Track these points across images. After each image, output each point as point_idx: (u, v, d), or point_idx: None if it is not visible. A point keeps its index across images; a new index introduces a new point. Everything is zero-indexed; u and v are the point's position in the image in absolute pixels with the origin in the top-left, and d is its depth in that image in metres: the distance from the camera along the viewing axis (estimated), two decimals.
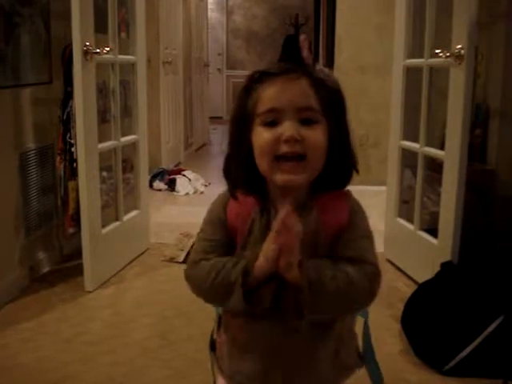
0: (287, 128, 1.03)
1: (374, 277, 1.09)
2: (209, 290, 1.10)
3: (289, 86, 1.05)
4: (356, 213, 1.12)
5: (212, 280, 1.08)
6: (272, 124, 1.04)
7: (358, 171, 1.14)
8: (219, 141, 8.20)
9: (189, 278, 1.15)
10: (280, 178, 1.05)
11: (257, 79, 1.08)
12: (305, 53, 8.35)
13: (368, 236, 1.12)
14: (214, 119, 9.47)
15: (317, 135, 1.04)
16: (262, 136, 1.05)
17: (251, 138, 1.08)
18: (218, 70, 11.34)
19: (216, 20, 10.98)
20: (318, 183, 1.10)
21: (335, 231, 1.09)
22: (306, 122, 1.04)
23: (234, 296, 1.05)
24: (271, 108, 1.05)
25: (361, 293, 1.07)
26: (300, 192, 1.09)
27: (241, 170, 1.11)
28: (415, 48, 3.08)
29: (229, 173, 1.14)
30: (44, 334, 2.47)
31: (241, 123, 1.09)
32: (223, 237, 1.14)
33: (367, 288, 1.07)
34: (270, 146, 1.04)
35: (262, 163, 1.07)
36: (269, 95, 1.05)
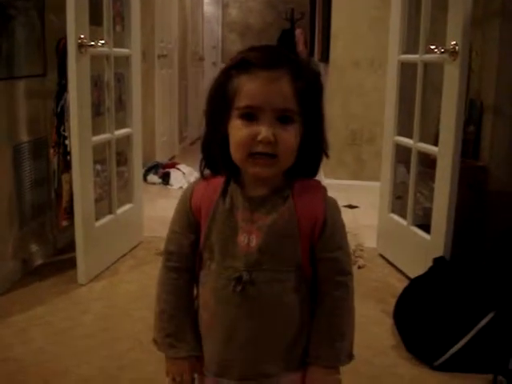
0: (264, 129, 1.06)
1: (352, 284, 1.19)
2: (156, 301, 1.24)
3: (269, 86, 1.06)
4: (333, 209, 1.17)
5: (156, 306, 1.23)
6: (249, 118, 1.07)
7: (328, 156, 1.18)
8: None
9: (158, 276, 1.25)
10: (251, 170, 1.10)
11: (239, 65, 1.09)
12: (300, 47, 8.36)
13: (345, 236, 1.19)
14: None
15: (290, 136, 1.08)
16: (238, 132, 1.08)
17: (227, 124, 1.11)
18: (213, 63, 11.32)
19: (211, 13, 10.94)
20: (291, 169, 1.14)
21: (311, 223, 1.13)
22: (283, 120, 1.07)
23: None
24: (250, 105, 1.07)
25: (352, 305, 1.19)
26: (273, 179, 1.13)
27: (215, 153, 1.14)
28: (410, 43, 3.09)
29: (205, 152, 1.17)
30: (37, 326, 2.48)
31: (219, 106, 1.12)
32: (185, 225, 1.19)
33: (352, 297, 1.19)
34: (246, 143, 1.07)
35: (236, 156, 1.10)
36: (250, 91, 1.07)
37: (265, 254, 1.12)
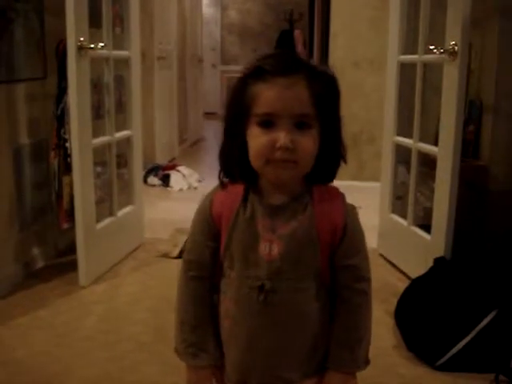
0: (282, 136, 1.06)
1: (371, 290, 1.21)
2: (177, 312, 1.25)
3: (286, 92, 1.06)
4: (353, 216, 1.17)
5: (177, 316, 1.24)
6: (267, 125, 1.07)
7: (346, 162, 1.17)
8: (214, 136, 8.20)
9: (177, 286, 1.25)
10: (272, 174, 1.10)
11: (255, 74, 1.10)
12: (299, 48, 8.36)
13: (364, 242, 1.20)
14: (209, 115, 9.45)
15: (308, 142, 1.08)
16: (257, 139, 1.08)
17: (245, 132, 1.11)
18: (213, 65, 11.32)
19: (210, 15, 10.95)
20: (310, 175, 1.14)
21: (331, 230, 1.14)
22: (300, 125, 1.07)
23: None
24: (268, 113, 1.07)
25: (370, 311, 1.22)
26: (293, 185, 1.14)
27: (234, 160, 1.14)
28: (409, 44, 3.09)
29: (223, 160, 1.17)
30: (39, 329, 2.48)
31: (236, 116, 1.12)
32: (206, 233, 1.19)
33: (370, 304, 1.22)
34: (265, 150, 1.07)
35: (256, 163, 1.11)
36: (266, 98, 1.07)
37: (286, 262, 1.12)
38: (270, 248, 1.12)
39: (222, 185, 1.19)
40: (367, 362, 1.21)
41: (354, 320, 1.18)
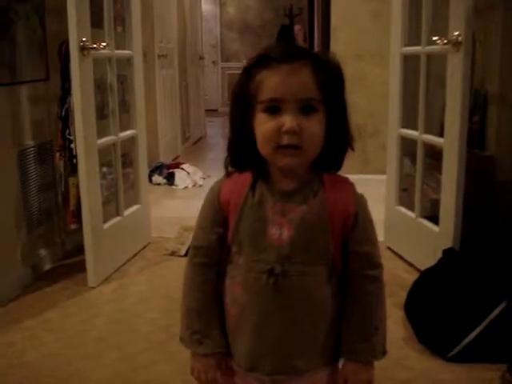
0: (288, 120, 1.06)
1: (383, 277, 1.20)
2: (183, 299, 1.25)
3: (291, 77, 1.07)
4: (363, 203, 1.18)
5: (184, 303, 1.24)
6: (273, 111, 1.08)
7: (353, 149, 1.18)
8: (216, 133, 8.19)
9: (184, 273, 1.25)
10: (280, 161, 1.10)
11: (258, 62, 1.10)
12: (299, 43, 8.34)
13: (374, 230, 1.20)
14: (210, 112, 9.44)
15: (314, 126, 1.08)
16: (264, 125, 1.09)
17: (253, 121, 1.12)
18: (213, 62, 11.31)
19: (209, 12, 10.93)
20: (318, 161, 1.14)
21: (342, 216, 1.14)
22: (306, 109, 1.08)
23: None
24: (273, 98, 1.08)
25: (384, 299, 1.21)
26: (301, 171, 1.14)
27: (243, 150, 1.15)
28: (412, 35, 3.07)
29: (231, 151, 1.18)
30: (49, 331, 2.48)
31: (242, 105, 1.13)
32: (213, 220, 1.20)
33: (384, 291, 1.21)
34: (272, 135, 1.08)
35: (264, 149, 1.11)
36: (271, 84, 1.08)
37: (297, 246, 1.12)
38: (280, 232, 1.13)
39: (228, 174, 1.19)
40: (384, 352, 1.20)
41: (368, 308, 1.17)
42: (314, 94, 1.08)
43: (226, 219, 1.18)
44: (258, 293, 1.14)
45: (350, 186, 1.18)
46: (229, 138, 1.18)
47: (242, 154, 1.15)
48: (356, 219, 1.14)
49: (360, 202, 1.17)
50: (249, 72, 1.12)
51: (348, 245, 1.16)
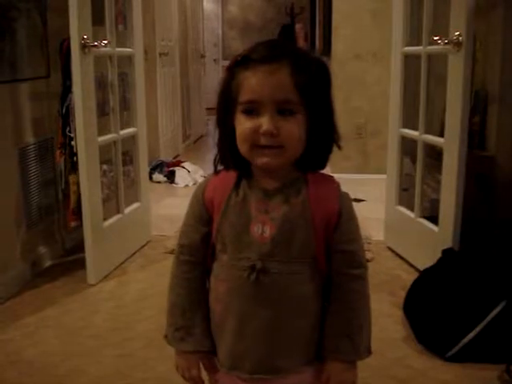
0: (265, 122, 1.07)
1: (367, 277, 1.20)
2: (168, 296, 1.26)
3: (269, 79, 1.07)
4: (347, 202, 1.18)
5: (168, 299, 1.26)
6: (252, 112, 1.08)
7: (340, 147, 1.18)
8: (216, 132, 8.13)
9: (171, 271, 1.26)
10: (259, 161, 1.11)
11: (240, 62, 1.11)
12: (300, 42, 8.34)
13: (358, 228, 1.20)
14: (211, 110, 9.44)
15: (292, 127, 1.08)
16: (242, 125, 1.10)
17: (234, 121, 1.12)
18: (214, 60, 11.31)
19: (211, 10, 10.93)
20: (302, 161, 1.14)
21: (326, 215, 1.14)
22: (284, 112, 1.08)
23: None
24: (251, 99, 1.08)
25: (368, 298, 1.20)
26: (283, 171, 1.14)
27: (226, 149, 1.16)
28: (413, 35, 3.07)
29: (220, 149, 1.19)
30: (48, 328, 2.48)
31: (225, 105, 1.14)
32: (198, 218, 1.21)
33: (368, 290, 1.20)
34: (249, 135, 1.09)
35: (242, 149, 1.12)
36: (250, 86, 1.08)
37: (278, 244, 1.12)
38: (262, 229, 1.13)
39: (216, 171, 1.20)
40: (369, 351, 1.19)
41: (351, 307, 1.17)
42: (292, 95, 1.07)
43: (211, 217, 1.18)
44: (240, 290, 1.14)
45: (333, 184, 1.18)
46: (217, 136, 1.19)
47: (226, 152, 1.16)
48: (339, 217, 1.14)
49: (343, 200, 1.16)
50: (232, 72, 1.12)
51: (332, 242, 1.15)
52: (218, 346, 1.22)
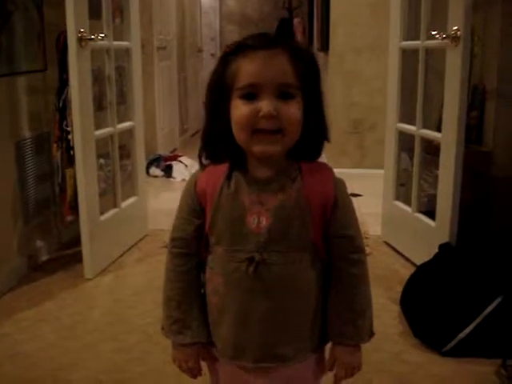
0: (265, 104, 1.06)
1: (366, 261, 1.20)
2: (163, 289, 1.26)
3: (268, 62, 1.07)
4: (343, 188, 1.18)
5: (164, 292, 1.25)
6: (250, 97, 1.08)
7: (329, 140, 1.18)
8: None
9: (166, 263, 1.25)
10: (257, 148, 1.10)
11: (235, 50, 1.10)
12: (299, 36, 8.32)
13: (355, 214, 1.20)
14: None
15: (292, 110, 1.08)
16: (240, 110, 1.08)
17: (229, 110, 1.11)
18: (212, 55, 11.29)
19: (208, 4, 10.89)
20: (294, 151, 1.14)
21: (322, 201, 1.14)
22: (283, 96, 1.08)
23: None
24: (251, 83, 1.07)
25: (369, 282, 1.21)
26: (278, 159, 1.13)
27: (218, 140, 1.14)
28: (411, 30, 3.07)
29: (206, 142, 1.17)
30: (45, 322, 2.48)
31: (218, 94, 1.12)
32: (190, 211, 1.19)
33: (368, 274, 1.21)
34: (249, 120, 1.08)
35: (240, 135, 1.10)
36: (249, 70, 1.08)
37: (276, 234, 1.12)
38: (258, 220, 1.12)
39: (202, 166, 1.19)
40: (371, 334, 1.20)
41: (353, 291, 1.17)
42: (292, 79, 1.08)
43: (203, 210, 1.18)
44: (239, 282, 1.14)
45: (328, 170, 1.18)
46: (203, 129, 1.17)
47: (218, 144, 1.15)
48: (335, 203, 1.14)
49: (339, 185, 1.16)
50: (225, 60, 1.11)
51: (330, 229, 1.15)
52: (216, 336, 1.21)
